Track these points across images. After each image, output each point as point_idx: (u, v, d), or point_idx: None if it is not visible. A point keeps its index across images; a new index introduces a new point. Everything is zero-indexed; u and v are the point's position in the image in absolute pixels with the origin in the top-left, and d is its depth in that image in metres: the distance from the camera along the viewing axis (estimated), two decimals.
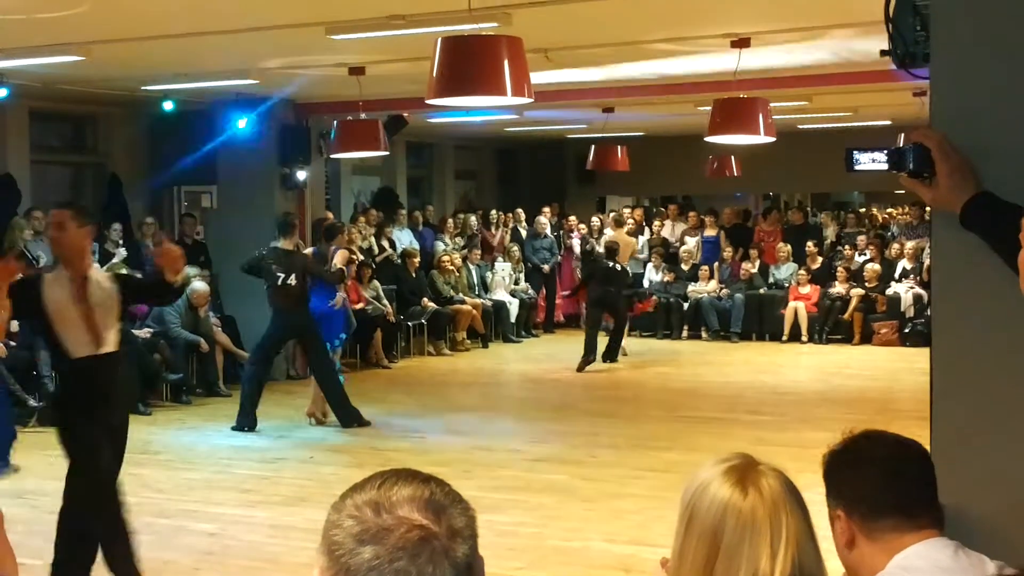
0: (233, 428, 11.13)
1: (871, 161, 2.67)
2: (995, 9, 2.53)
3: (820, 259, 18.53)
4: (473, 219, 19.34)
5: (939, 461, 2.56)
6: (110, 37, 9.74)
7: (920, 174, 2.53)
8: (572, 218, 20.35)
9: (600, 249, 17.80)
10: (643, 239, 20.03)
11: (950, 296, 2.66)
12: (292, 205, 14.89)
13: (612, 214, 20.05)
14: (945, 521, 2.51)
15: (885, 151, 2.63)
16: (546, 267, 19.08)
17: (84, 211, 6.09)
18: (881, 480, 2.50)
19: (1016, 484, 2.55)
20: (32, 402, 11.26)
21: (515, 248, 18.88)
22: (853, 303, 17.39)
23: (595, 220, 20.07)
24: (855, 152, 2.68)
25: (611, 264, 15.72)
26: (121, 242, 14.15)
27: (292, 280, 11.04)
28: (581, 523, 7.81)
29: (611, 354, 15.67)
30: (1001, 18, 2.52)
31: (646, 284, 18.93)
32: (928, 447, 2.62)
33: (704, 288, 18.43)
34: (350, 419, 11.22)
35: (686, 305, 18.39)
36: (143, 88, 13.48)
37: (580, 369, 15.21)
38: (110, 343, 5.92)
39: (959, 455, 2.62)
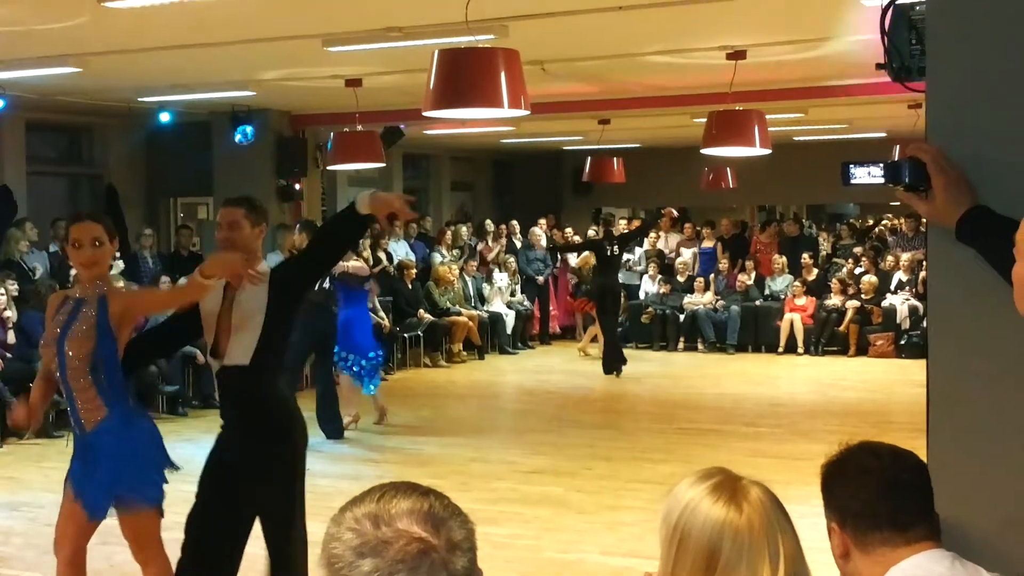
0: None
1: (867, 175, 2.68)
2: (991, 23, 2.54)
3: (816, 271, 18.55)
4: (465, 230, 19.34)
5: (935, 473, 2.56)
6: (107, 49, 9.75)
7: (916, 188, 2.54)
8: (568, 230, 20.37)
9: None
10: (640, 251, 20.05)
11: (946, 309, 2.66)
12: (289, 217, 14.90)
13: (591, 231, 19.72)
14: (941, 532, 2.52)
15: (881, 165, 2.64)
16: (540, 278, 19.08)
17: (257, 208, 5.22)
18: (873, 493, 2.50)
19: (1012, 496, 2.56)
20: None
21: (511, 260, 18.88)
22: (849, 315, 17.39)
23: (591, 232, 20.07)
24: (851, 166, 2.69)
25: (610, 250, 15.79)
26: (118, 254, 14.13)
27: (326, 282, 11.10)
28: (577, 535, 7.80)
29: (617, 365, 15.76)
30: (997, 32, 2.53)
31: (642, 296, 18.96)
32: (924, 459, 2.62)
33: (700, 300, 18.42)
34: (336, 433, 11.27)
35: (682, 317, 18.39)
36: (140, 99, 13.50)
37: (619, 373, 15.49)
38: (234, 354, 5.05)
39: (955, 467, 2.62)
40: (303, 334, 11.15)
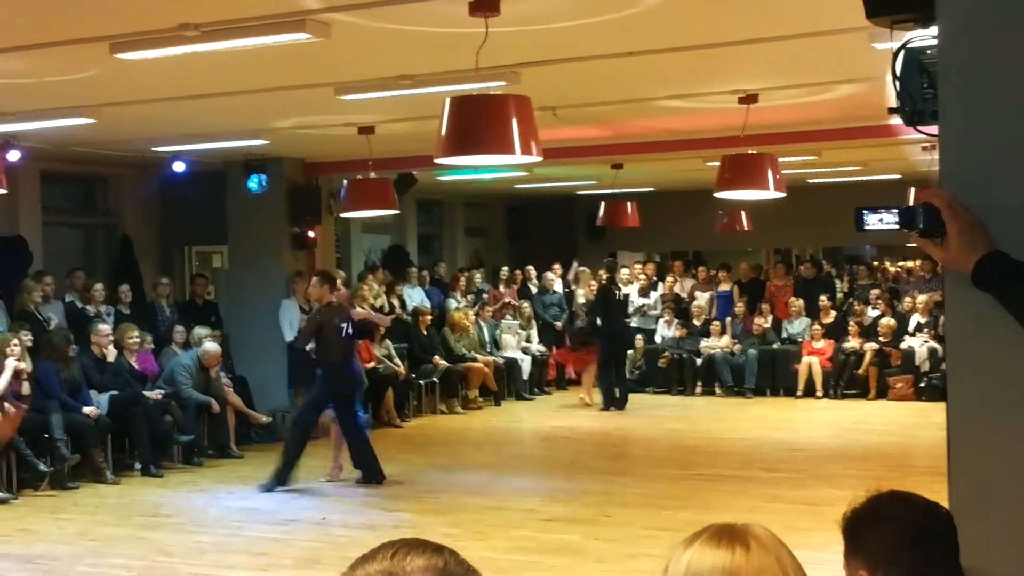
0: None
1: (879, 221, 2.67)
2: (1002, 67, 2.53)
3: (833, 313, 18.43)
4: (478, 275, 19.30)
5: (958, 518, 2.53)
6: (120, 100, 9.81)
7: (931, 234, 2.51)
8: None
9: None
10: (655, 295, 19.98)
11: (965, 353, 2.64)
12: (303, 264, 14.92)
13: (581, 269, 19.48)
14: None
15: (895, 211, 2.62)
16: (558, 324, 18.99)
17: None
18: (910, 540, 2.49)
19: None
20: (43, 467, 11.19)
21: (525, 305, 18.83)
22: (867, 358, 17.29)
23: (601, 274, 19.89)
24: (864, 212, 2.68)
25: (618, 291, 16.07)
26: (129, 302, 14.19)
27: (350, 329, 11.31)
28: None
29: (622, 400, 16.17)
30: (1009, 75, 2.52)
31: (658, 340, 18.89)
32: (946, 504, 2.60)
33: (717, 343, 18.34)
34: (377, 475, 11.31)
35: (699, 361, 18.31)
36: (153, 149, 13.56)
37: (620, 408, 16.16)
38: None
39: (978, 512, 2.59)
40: (326, 386, 11.20)
